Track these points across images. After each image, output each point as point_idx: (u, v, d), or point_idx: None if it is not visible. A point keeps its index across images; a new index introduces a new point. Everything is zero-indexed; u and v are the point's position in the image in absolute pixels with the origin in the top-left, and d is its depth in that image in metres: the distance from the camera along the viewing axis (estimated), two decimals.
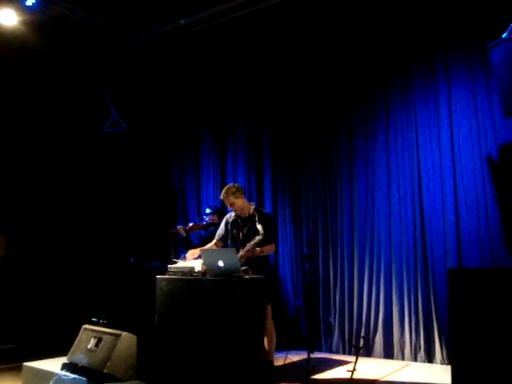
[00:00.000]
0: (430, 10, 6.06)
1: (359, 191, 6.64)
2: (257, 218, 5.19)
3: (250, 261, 5.02)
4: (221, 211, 6.94)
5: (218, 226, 5.93)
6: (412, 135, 6.25)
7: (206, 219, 7.08)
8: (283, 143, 7.42)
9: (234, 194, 5.34)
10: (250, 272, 4.72)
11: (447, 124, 5.96)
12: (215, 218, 6.98)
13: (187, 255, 5.49)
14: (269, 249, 5.29)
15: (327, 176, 6.96)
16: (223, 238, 5.54)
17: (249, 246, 5.11)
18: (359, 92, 6.73)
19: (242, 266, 4.74)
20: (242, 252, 5.08)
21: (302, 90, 7.23)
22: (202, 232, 7.15)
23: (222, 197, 5.46)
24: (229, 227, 5.50)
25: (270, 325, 5.22)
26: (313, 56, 7.05)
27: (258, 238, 5.07)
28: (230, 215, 5.54)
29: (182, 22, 6.99)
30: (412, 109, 6.27)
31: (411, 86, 6.29)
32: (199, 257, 5.20)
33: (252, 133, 7.76)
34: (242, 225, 5.42)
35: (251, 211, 5.43)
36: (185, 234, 7.17)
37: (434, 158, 6.06)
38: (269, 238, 5.19)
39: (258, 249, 5.11)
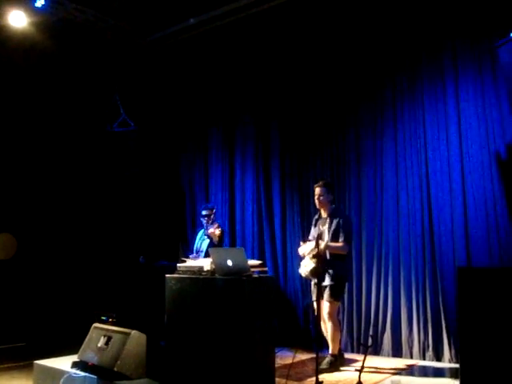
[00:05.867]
0: (439, 9, 6.06)
1: (367, 189, 6.65)
2: (340, 221, 5.56)
3: (331, 259, 5.48)
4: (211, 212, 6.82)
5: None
6: (420, 134, 6.25)
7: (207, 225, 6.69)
8: (291, 140, 7.45)
9: (325, 186, 5.71)
10: (329, 273, 5.44)
11: (455, 123, 5.97)
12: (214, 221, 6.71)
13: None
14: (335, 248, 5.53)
15: (335, 174, 6.97)
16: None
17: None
18: (366, 88, 6.75)
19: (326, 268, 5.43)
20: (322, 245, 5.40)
21: (308, 87, 7.25)
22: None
23: (316, 187, 5.76)
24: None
25: (335, 321, 5.55)
26: (320, 52, 7.07)
27: (338, 244, 5.51)
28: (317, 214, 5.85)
29: (192, 21, 7.02)
30: (420, 108, 6.26)
31: (419, 85, 6.29)
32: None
33: (260, 129, 7.80)
34: (322, 224, 5.73)
35: (330, 211, 5.70)
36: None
37: (441, 156, 6.05)
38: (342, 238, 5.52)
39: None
